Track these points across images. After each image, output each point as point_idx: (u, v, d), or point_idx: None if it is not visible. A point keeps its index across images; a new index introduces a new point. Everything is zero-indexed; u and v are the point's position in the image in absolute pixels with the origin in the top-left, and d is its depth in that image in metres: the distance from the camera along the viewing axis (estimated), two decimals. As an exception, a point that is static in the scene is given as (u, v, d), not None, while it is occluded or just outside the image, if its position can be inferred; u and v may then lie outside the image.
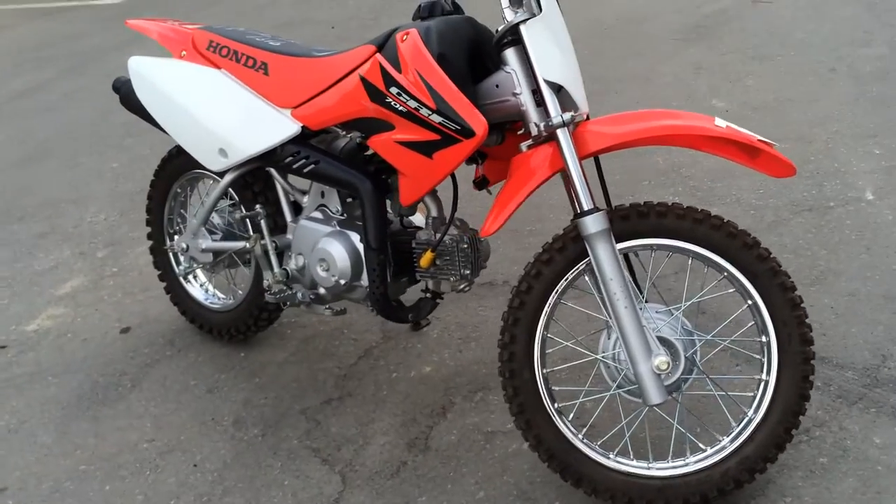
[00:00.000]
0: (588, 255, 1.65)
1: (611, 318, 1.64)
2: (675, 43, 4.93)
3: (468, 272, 1.87)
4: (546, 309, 1.72)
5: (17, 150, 4.37)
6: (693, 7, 5.65)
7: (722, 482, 1.67)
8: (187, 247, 2.35)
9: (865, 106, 3.71)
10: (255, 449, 2.05)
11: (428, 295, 1.99)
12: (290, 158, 1.97)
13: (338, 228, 2.01)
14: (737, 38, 4.89)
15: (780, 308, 1.64)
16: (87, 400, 2.30)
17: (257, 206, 2.14)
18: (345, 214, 2.05)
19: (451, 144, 1.66)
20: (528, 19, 1.61)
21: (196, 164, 2.33)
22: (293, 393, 2.25)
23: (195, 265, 2.41)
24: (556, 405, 1.74)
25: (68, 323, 2.70)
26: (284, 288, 2.10)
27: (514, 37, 1.66)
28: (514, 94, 1.69)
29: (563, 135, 1.61)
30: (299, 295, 2.10)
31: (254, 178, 2.21)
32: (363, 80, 1.76)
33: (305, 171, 1.96)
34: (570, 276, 1.71)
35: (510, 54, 1.68)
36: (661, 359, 1.60)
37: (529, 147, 1.69)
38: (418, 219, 2.05)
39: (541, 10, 1.62)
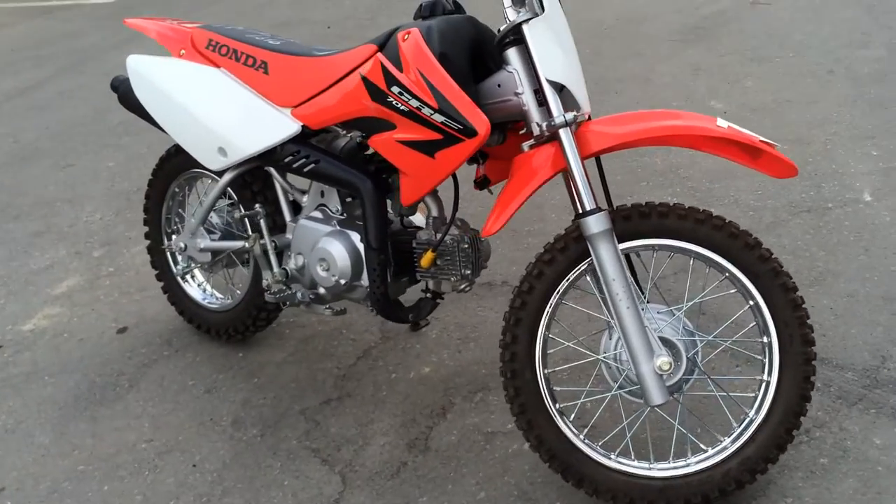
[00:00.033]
0: (590, 256, 1.65)
1: (613, 318, 1.64)
2: (674, 44, 4.94)
3: (469, 272, 1.87)
4: (548, 309, 1.71)
5: (13, 149, 4.35)
6: (692, 8, 5.66)
7: (723, 483, 1.67)
8: (185, 246, 2.34)
9: (863, 108, 3.72)
10: (254, 449, 2.04)
11: (428, 295, 1.99)
12: (290, 158, 1.96)
13: (338, 228, 2.00)
14: (735, 39, 4.90)
15: (781, 309, 1.64)
16: (84, 400, 2.29)
17: (257, 206, 2.13)
18: (345, 214, 2.04)
19: (453, 144, 1.66)
20: (530, 19, 1.61)
21: (194, 164, 2.32)
22: (292, 393, 2.24)
23: (193, 265, 2.40)
24: (557, 405, 1.74)
25: (65, 323, 2.69)
26: (284, 288, 2.09)
27: (516, 36, 1.66)
28: (516, 94, 1.68)
29: (565, 135, 1.61)
30: (299, 295, 2.09)
31: (253, 178, 2.20)
32: (364, 79, 1.76)
33: (305, 170, 1.95)
34: (571, 276, 1.70)
35: (512, 54, 1.67)
36: (663, 359, 1.59)
37: (531, 147, 1.69)
38: (418, 219, 2.04)
39: (543, 9, 1.61)
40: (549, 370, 1.75)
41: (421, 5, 1.78)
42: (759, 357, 1.70)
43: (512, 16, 1.64)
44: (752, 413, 1.68)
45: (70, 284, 2.92)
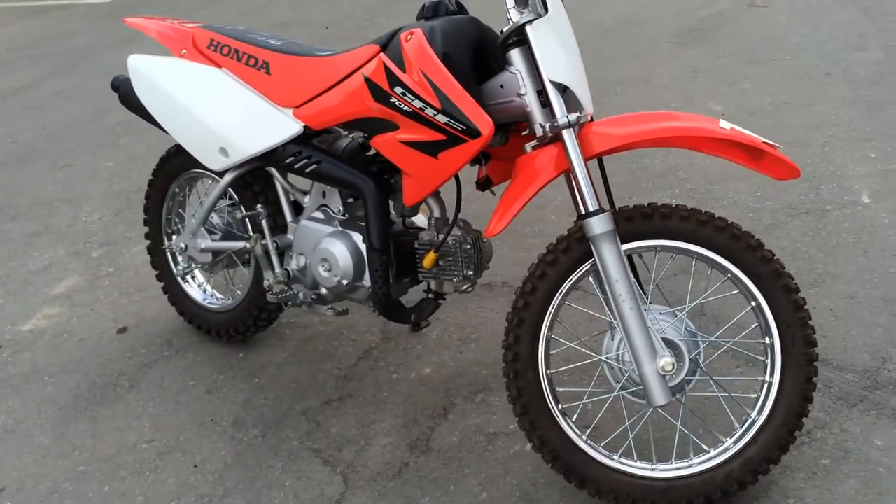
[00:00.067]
0: (593, 257, 1.65)
1: (615, 319, 1.64)
2: (672, 46, 4.95)
3: (471, 273, 1.87)
4: (550, 310, 1.71)
5: (10, 149, 4.34)
6: (690, 10, 5.67)
7: (725, 483, 1.67)
8: (186, 246, 2.34)
9: (861, 110, 3.73)
10: (255, 450, 2.04)
11: (430, 296, 1.99)
12: (292, 158, 1.96)
13: (340, 229, 2.00)
14: (733, 41, 4.91)
15: (783, 310, 1.65)
16: (84, 400, 2.28)
17: (258, 206, 2.13)
18: (346, 214, 2.04)
19: (456, 144, 1.66)
20: (533, 20, 1.61)
21: (195, 164, 2.31)
22: (293, 394, 2.23)
23: (193, 265, 2.39)
24: (559, 406, 1.74)
25: (64, 323, 2.68)
26: (285, 288, 2.09)
27: (519, 37, 1.66)
28: (519, 95, 1.68)
29: (568, 136, 1.61)
30: (301, 295, 2.09)
31: (254, 178, 2.20)
32: (367, 79, 1.76)
33: (307, 170, 1.95)
34: (574, 277, 1.70)
35: (515, 55, 1.68)
36: (666, 360, 1.60)
37: (534, 148, 1.69)
38: (420, 219, 2.04)
39: (547, 11, 1.61)
40: (552, 371, 1.75)
41: (424, 6, 1.78)
42: (761, 358, 1.71)
43: (515, 17, 1.64)
44: (754, 414, 1.69)
45: (69, 284, 2.92)
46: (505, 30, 1.67)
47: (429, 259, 1.85)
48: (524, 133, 1.84)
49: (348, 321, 2.52)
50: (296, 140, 1.95)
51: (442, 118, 1.65)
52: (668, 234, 1.67)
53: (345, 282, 1.95)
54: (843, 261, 2.57)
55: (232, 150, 2.02)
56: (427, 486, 1.87)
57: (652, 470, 1.71)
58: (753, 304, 1.68)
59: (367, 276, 1.94)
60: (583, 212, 1.64)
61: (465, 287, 1.91)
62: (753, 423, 1.68)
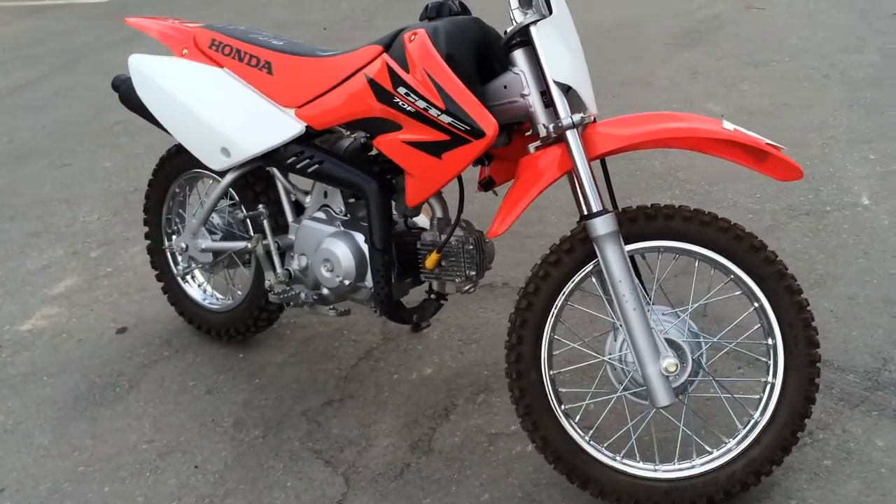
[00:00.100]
0: (596, 257, 1.65)
1: (619, 320, 1.64)
2: (671, 47, 4.96)
3: (473, 273, 1.87)
4: (553, 310, 1.71)
5: (7, 148, 4.33)
6: (688, 12, 5.68)
7: (728, 484, 1.67)
8: (186, 247, 2.33)
9: (859, 112, 3.74)
10: (256, 450, 2.03)
11: (433, 296, 1.98)
12: (294, 158, 1.96)
13: (342, 229, 2.00)
14: (731, 43, 4.92)
15: (786, 311, 1.65)
16: (84, 401, 2.28)
17: (260, 206, 2.13)
18: (348, 215, 2.04)
19: (460, 145, 1.66)
20: (538, 20, 1.61)
21: (195, 164, 2.31)
22: (294, 394, 2.23)
23: (194, 265, 2.39)
24: (562, 407, 1.74)
25: (63, 323, 2.67)
26: (287, 288, 2.08)
27: (523, 38, 1.66)
28: (523, 96, 1.68)
29: (572, 136, 1.61)
30: (303, 296, 2.08)
31: (255, 178, 2.19)
32: (370, 80, 1.75)
33: (310, 171, 1.95)
34: (577, 277, 1.70)
35: (519, 55, 1.67)
36: (670, 361, 1.60)
37: (537, 148, 1.69)
38: (421, 220, 2.04)
39: (551, 11, 1.61)
40: (555, 371, 1.75)
41: (427, 6, 1.78)
42: (763, 359, 1.71)
43: (519, 17, 1.64)
44: (756, 415, 1.69)
45: (68, 284, 2.91)
46: (508, 30, 1.67)
47: (431, 259, 1.85)
48: (527, 134, 1.85)
49: (348, 321, 2.51)
50: (298, 140, 1.95)
51: (446, 118, 1.64)
52: (671, 235, 1.67)
53: (347, 282, 1.94)
54: (844, 262, 2.58)
55: (233, 149, 2.02)
56: (429, 486, 1.87)
57: (655, 471, 1.71)
58: (756, 305, 1.68)
59: (369, 276, 1.94)
60: (586, 212, 1.64)
61: (467, 288, 1.90)
62: (756, 423, 1.68)
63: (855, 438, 1.87)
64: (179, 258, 2.46)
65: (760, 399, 1.69)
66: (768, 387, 1.68)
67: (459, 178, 1.85)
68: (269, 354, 2.42)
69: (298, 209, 2.16)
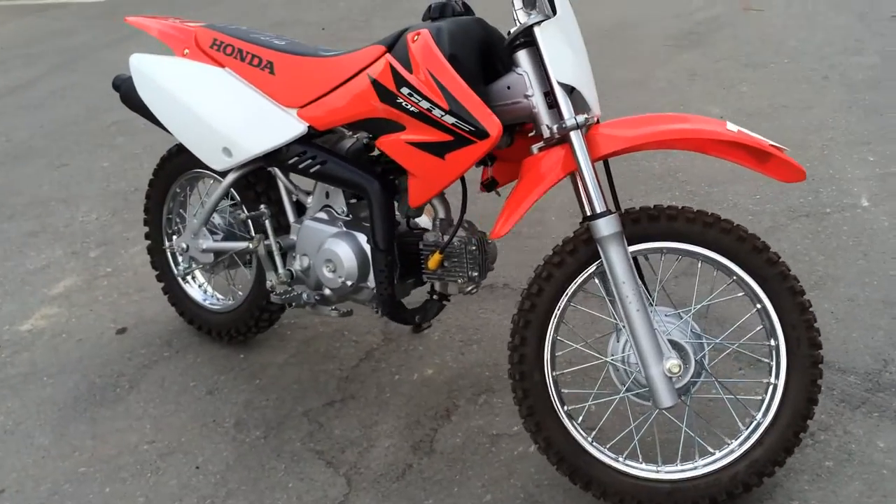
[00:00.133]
0: (599, 258, 1.66)
1: (622, 321, 1.64)
2: (669, 49, 4.96)
3: (476, 274, 1.87)
4: (556, 311, 1.71)
5: (5, 148, 4.31)
6: (686, 13, 5.69)
7: (731, 485, 1.67)
8: (187, 247, 2.33)
9: (858, 114, 3.75)
10: (257, 451, 2.03)
11: (435, 297, 1.98)
12: (296, 158, 1.95)
13: (344, 229, 1.99)
14: (730, 45, 4.93)
15: (789, 312, 1.65)
16: (84, 401, 2.27)
17: (262, 207, 2.12)
18: (350, 215, 2.04)
19: (464, 146, 1.66)
20: (542, 21, 1.61)
21: (196, 164, 2.30)
22: (295, 395, 2.23)
23: (195, 265, 2.38)
24: (565, 408, 1.73)
25: (63, 323, 2.67)
26: (289, 289, 2.08)
27: (526, 39, 1.66)
28: (526, 96, 1.68)
29: (576, 137, 1.61)
30: (304, 296, 2.08)
31: (256, 178, 2.19)
32: (373, 80, 1.75)
33: (312, 171, 1.94)
34: (580, 278, 1.70)
35: (522, 56, 1.67)
36: (673, 362, 1.60)
37: (541, 149, 1.69)
38: (423, 220, 2.04)
39: (555, 12, 1.61)
40: (558, 372, 1.75)
41: (430, 6, 1.78)
42: (766, 360, 1.71)
43: (523, 18, 1.64)
44: (759, 416, 1.69)
45: (67, 285, 2.90)
46: (512, 31, 1.67)
47: (434, 260, 1.85)
48: (530, 135, 1.85)
49: (349, 322, 2.51)
50: (300, 140, 1.94)
51: (449, 119, 1.64)
52: (674, 237, 1.67)
53: (349, 283, 1.94)
54: (844, 263, 2.58)
55: (235, 150, 2.01)
56: (431, 487, 1.87)
57: (657, 472, 1.71)
58: (759, 306, 1.68)
59: (371, 277, 1.93)
60: (588, 213, 1.64)
61: (469, 288, 1.90)
62: (759, 425, 1.68)
63: (856, 440, 1.88)
64: (180, 258, 2.46)
65: (763, 400, 1.70)
66: (771, 388, 1.68)
67: (462, 179, 1.85)
68: (270, 355, 2.41)
69: (300, 209, 2.15)
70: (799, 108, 3.88)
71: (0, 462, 2.06)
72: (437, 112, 1.65)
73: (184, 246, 2.33)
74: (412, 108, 1.69)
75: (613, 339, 1.74)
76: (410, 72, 1.69)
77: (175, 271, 2.49)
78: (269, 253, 2.12)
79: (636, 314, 1.60)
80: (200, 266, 2.37)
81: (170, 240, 2.50)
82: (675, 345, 1.64)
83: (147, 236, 2.54)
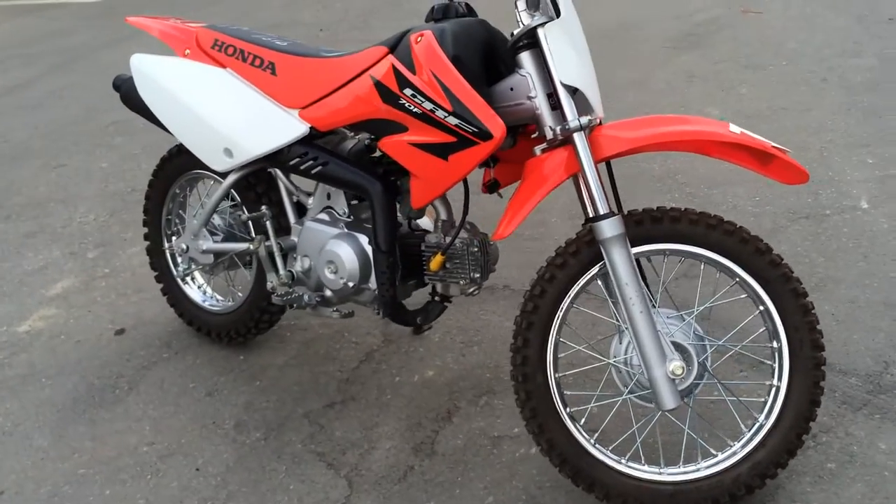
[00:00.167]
0: (602, 260, 1.65)
1: (625, 322, 1.64)
2: (668, 50, 4.97)
3: (478, 276, 1.86)
4: (559, 313, 1.71)
5: (2, 148, 4.30)
6: (685, 15, 5.70)
7: (733, 487, 1.67)
8: (187, 248, 2.32)
9: (857, 116, 3.75)
10: (258, 453, 2.02)
11: (437, 298, 1.98)
12: (298, 159, 1.95)
13: (345, 230, 1.99)
14: (729, 46, 4.93)
15: (791, 313, 1.65)
16: (82, 402, 2.26)
17: (263, 208, 2.12)
18: (351, 216, 2.03)
19: (467, 147, 1.65)
20: (545, 23, 1.61)
21: (196, 165, 2.30)
22: (295, 396, 2.22)
23: (194, 266, 2.37)
24: (568, 410, 1.73)
25: (61, 324, 2.65)
26: (290, 290, 2.07)
27: (530, 40, 1.65)
28: (529, 98, 1.68)
29: (580, 139, 1.60)
30: (305, 297, 2.07)
31: (256, 179, 2.18)
32: (376, 81, 1.75)
33: (313, 172, 1.94)
34: (583, 280, 1.70)
35: (525, 57, 1.67)
36: (676, 363, 1.60)
37: (544, 151, 1.68)
38: (425, 222, 2.03)
39: (559, 14, 1.61)
40: (560, 374, 1.75)
41: (433, 8, 1.78)
42: (768, 362, 1.71)
43: (526, 20, 1.64)
44: (761, 418, 1.69)
45: (65, 286, 2.89)
46: (515, 32, 1.66)
47: (436, 261, 1.84)
48: (533, 136, 1.85)
49: (349, 324, 2.50)
50: (301, 141, 1.94)
51: (453, 120, 1.64)
52: (677, 238, 1.67)
53: (351, 284, 1.94)
54: (844, 265, 2.58)
55: (237, 150, 2.01)
56: (432, 489, 1.86)
57: (660, 474, 1.71)
58: (761, 308, 1.68)
59: (372, 278, 1.93)
60: (591, 215, 1.64)
61: (471, 290, 1.90)
62: (762, 426, 1.68)
63: (858, 441, 1.88)
64: (179, 259, 2.45)
65: (765, 402, 1.69)
66: (773, 390, 1.68)
67: (464, 180, 1.85)
68: (270, 356, 2.40)
69: (300, 210, 2.15)
70: (798, 110, 3.88)
71: (-1, 464, 2.05)
72: (440, 113, 1.65)
73: (184, 247, 2.32)
74: (415, 110, 1.69)
75: (616, 341, 1.73)
76: (413, 73, 1.68)
77: (175, 272, 2.48)
78: (270, 254, 2.11)
79: (639, 316, 1.60)
80: (200, 267, 2.36)
81: (169, 241, 2.49)
82: (677, 347, 1.64)
83: (146, 237, 2.53)
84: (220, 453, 2.03)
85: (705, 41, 5.09)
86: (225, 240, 2.32)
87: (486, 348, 2.35)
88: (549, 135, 1.66)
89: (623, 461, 1.72)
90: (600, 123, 1.68)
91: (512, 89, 1.70)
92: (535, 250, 2.80)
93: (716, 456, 1.71)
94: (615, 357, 1.72)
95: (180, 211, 2.48)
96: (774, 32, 5.12)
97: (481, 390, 2.18)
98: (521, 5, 1.64)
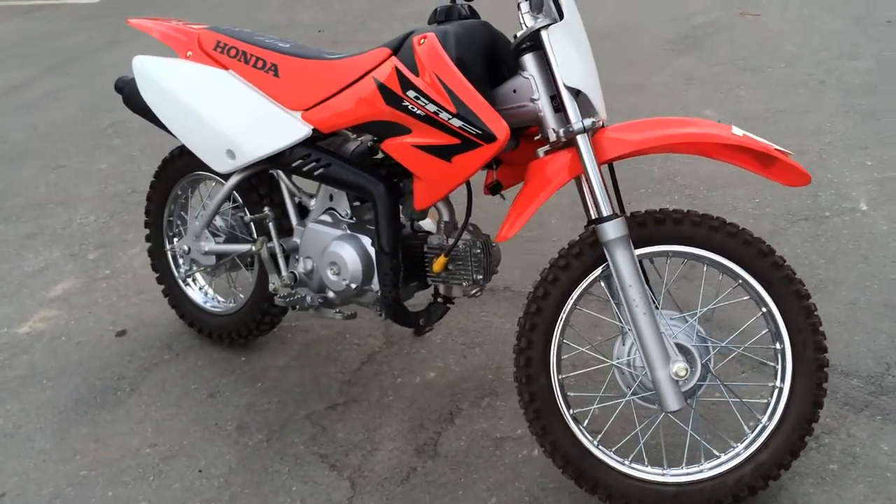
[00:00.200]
0: (605, 262, 1.66)
1: (628, 324, 1.64)
2: (666, 53, 4.98)
3: (481, 277, 1.87)
4: (563, 315, 1.71)
5: (1, 150, 4.29)
6: (683, 17, 5.71)
7: (736, 488, 1.67)
8: (189, 249, 2.32)
9: (855, 118, 3.76)
10: (260, 454, 2.02)
11: (439, 300, 1.98)
12: (301, 161, 1.95)
13: (348, 232, 1.99)
14: (727, 49, 4.95)
15: (794, 315, 1.65)
16: (84, 404, 2.26)
17: (265, 209, 2.12)
18: (354, 218, 2.03)
19: (470, 149, 1.66)
20: (549, 25, 1.61)
21: (198, 166, 2.30)
22: (297, 398, 2.22)
23: (196, 268, 2.37)
24: (571, 411, 1.73)
25: (62, 325, 2.65)
26: (292, 292, 2.07)
27: (533, 42, 1.66)
28: (532, 100, 1.68)
29: (583, 141, 1.61)
30: (308, 299, 2.07)
31: (258, 181, 2.18)
32: (379, 83, 1.75)
33: (316, 174, 1.94)
34: (587, 282, 1.70)
35: (528, 59, 1.68)
36: (680, 365, 1.60)
37: (547, 153, 1.69)
38: (427, 223, 2.03)
39: (562, 16, 1.61)
40: (563, 376, 1.75)
41: (436, 10, 1.78)
42: (771, 363, 1.72)
43: (530, 22, 1.64)
44: (765, 419, 1.69)
45: (66, 287, 2.88)
46: (519, 34, 1.67)
47: (439, 263, 1.84)
48: (536, 138, 1.85)
49: (350, 325, 2.51)
50: (304, 143, 1.94)
51: (456, 122, 1.64)
52: (679, 240, 1.68)
53: (353, 285, 1.94)
54: (844, 267, 2.59)
55: (239, 152, 2.01)
56: (435, 491, 1.87)
57: (663, 475, 1.71)
58: (764, 309, 1.68)
59: (375, 279, 1.93)
60: (594, 217, 1.64)
61: (474, 291, 1.90)
62: (765, 428, 1.68)
63: (860, 443, 1.88)
64: (181, 261, 2.44)
65: (768, 403, 1.70)
66: (776, 391, 1.68)
67: (467, 182, 1.85)
68: (272, 358, 2.40)
69: (302, 212, 2.15)
70: (796, 112, 3.89)
71: (0, 466, 2.04)
72: (443, 115, 1.65)
73: (185, 248, 2.32)
74: (418, 112, 1.69)
75: (619, 343, 1.74)
76: (417, 75, 1.69)
77: (176, 274, 2.48)
78: (273, 256, 2.11)
79: (643, 318, 1.60)
80: (202, 268, 2.36)
81: (171, 242, 2.49)
82: (681, 348, 1.65)
83: (148, 238, 2.53)
84: (223, 455, 2.03)
85: (703, 43, 5.10)
86: (227, 241, 2.32)
87: (487, 350, 2.36)
88: (553, 137, 1.66)
89: (626, 462, 1.73)
90: (603, 125, 1.69)
91: (515, 91, 1.71)
92: (537, 252, 2.80)
93: (719, 457, 1.71)
94: (618, 359, 1.72)
95: (182, 212, 2.48)
96: (772, 35, 5.14)
97: (483, 392, 2.18)
98: (525, 7, 1.65)
